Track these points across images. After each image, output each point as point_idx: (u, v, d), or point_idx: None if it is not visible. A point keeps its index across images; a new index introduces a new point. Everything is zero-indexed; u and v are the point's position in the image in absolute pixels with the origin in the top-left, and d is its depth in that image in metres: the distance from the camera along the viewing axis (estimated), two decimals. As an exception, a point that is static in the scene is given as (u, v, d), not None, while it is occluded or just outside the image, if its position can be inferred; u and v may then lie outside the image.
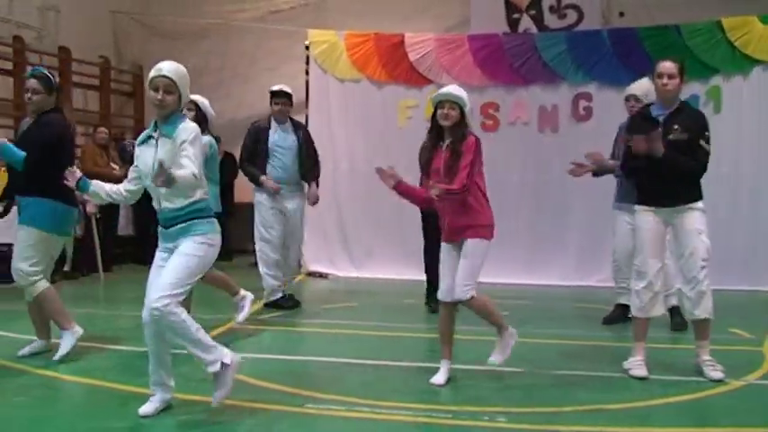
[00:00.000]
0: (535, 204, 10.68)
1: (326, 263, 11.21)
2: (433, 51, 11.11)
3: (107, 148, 11.48)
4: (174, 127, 4.53)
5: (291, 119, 8.42)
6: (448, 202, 5.23)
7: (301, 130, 8.42)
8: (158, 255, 4.68)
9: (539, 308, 8.61)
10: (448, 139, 5.30)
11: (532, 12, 12.61)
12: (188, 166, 4.39)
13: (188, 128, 4.54)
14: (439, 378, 5.37)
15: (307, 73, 11.44)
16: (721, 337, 6.87)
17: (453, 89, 5.36)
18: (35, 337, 6.13)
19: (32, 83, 5.97)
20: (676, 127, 5.52)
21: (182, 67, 4.68)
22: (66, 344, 5.94)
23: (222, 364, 4.48)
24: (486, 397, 5.10)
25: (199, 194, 4.57)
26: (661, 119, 5.60)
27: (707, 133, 5.57)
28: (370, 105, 11.17)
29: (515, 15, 12.66)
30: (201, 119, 6.81)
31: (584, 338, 7.01)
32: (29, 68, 11.56)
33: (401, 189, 5.36)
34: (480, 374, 5.59)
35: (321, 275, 11.09)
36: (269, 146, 8.17)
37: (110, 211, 11.13)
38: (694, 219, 5.53)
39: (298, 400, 4.97)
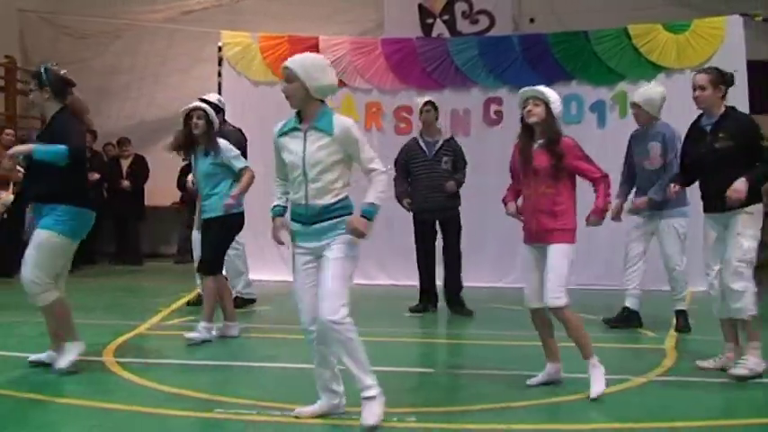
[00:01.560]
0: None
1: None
2: (347, 54, 11.13)
3: (13, 150, 11.13)
4: (328, 121, 4.46)
5: None
6: (541, 203, 5.16)
7: None
8: (299, 258, 4.56)
9: (447, 309, 8.68)
10: (540, 138, 5.21)
11: (445, 17, 12.77)
12: (377, 164, 4.46)
13: (348, 121, 4.51)
14: (534, 379, 5.35)
15: (219, 75, 11.31)
16: (626, 335, 7.09)
17: (537, 87, 5.28)
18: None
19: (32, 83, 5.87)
20: (722, 135, 5.56)
21: (310, 57, 4.59)
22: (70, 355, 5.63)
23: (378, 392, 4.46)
24: (395, 398, 5.11)
25: (345, 191, 4.51)
26: (708, 128, 5.66)
27: (761, 132, 5.59)
28: (286, 108, 10.97)
29: (429, 20, 12.80)
30: (209, 128, 6.84)
31: (493, 338, 7.12)
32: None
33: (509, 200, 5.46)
34: (389, 375, 5.61)
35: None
36: None
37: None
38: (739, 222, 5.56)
39: (208, 405, 4.90)
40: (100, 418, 4.67)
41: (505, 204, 5.50)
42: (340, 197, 4.47)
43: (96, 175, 11.58)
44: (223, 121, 7.89)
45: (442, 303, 8.43)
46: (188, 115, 6.87)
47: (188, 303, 8.55)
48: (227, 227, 6.93)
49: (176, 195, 13.27)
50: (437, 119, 8.39)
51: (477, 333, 7.42)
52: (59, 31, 13.68)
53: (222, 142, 6.88)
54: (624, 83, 10.33)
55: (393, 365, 5.66)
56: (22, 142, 11.57)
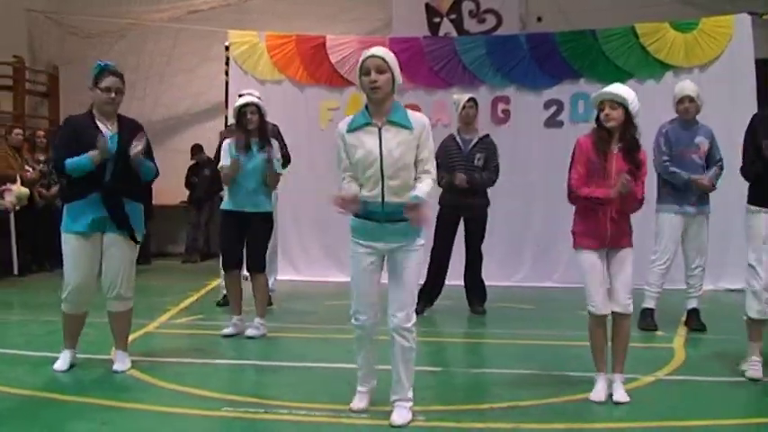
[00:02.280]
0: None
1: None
2: (354, 54, 11.09)
3: (20, 149, 11.19)
4: (404, 115, 4.42)
5: None
6: (616, 205, 4.95)
7: None
8: (365, 258, 4.51)
9: (459, 308, 8.67)
10: (617, 143, 4.99)
11: (453, 16, 12.75)
12: (434, 168, 4.48)
13: (425, 118, 4.51)
14: (597, 394, 5.01)
15: (226, 74, 11.32)
16: (635, 334, 7.05)
17: (614, 87, 5.02)
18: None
19: (115, 81, 5.64)
20: None
21: (391, 53, 4.50)
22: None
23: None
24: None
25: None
26: None
27: None
28: (292, 107, 11.08)
29: (436, 19, 12.79)
30: (263, 122, 6.93)
31: (500, 337, 7.11)
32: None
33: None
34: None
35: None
36: None
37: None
38: None
39: (216, 403, 4.91)
40: (109, 415, 4.68)
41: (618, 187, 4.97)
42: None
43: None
44: None
45: (442, 302, 8.38)
46: (240, 112, 6.91)
47: (218, 304, 8.50)
48: (272, 223, 7.15)
49: (184, 194, 13.35)
50: (476, 116, 8.38)
51: (486, 332, 7.41)
52: (66, 30, 13.69)
53: (273, 141, 7.02)
54: (632, 81, 10.26)
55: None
56: (29, 142, 11.62)
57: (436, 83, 10.94)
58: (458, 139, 8.21)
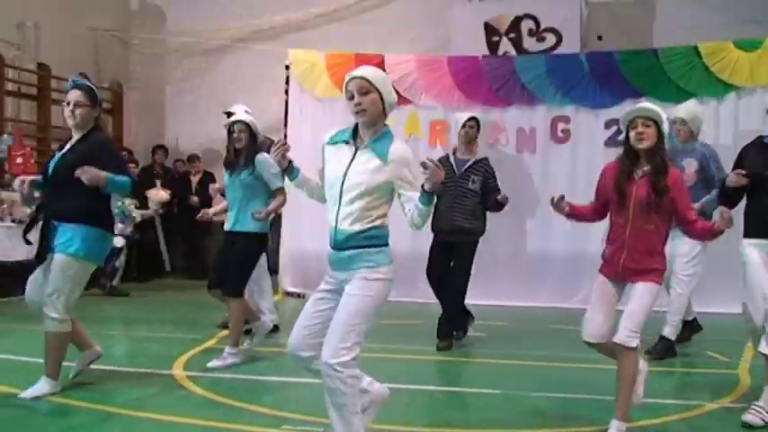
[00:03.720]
0: (513, 225, 10.69)
1: (303, 283, 11.12)
2: (412, 72, 11.16)
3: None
4: (383, 146, 3.96)
5: None
6: (637, 239, 4.65)
7: None
8: (322, 284, 4.10)
9: (516, 329, 8.63)
10: (645, 165, 4.68)
11: (512, 35, 12.70)
12: (413, 196, 3.91)
13: (405, 153, 3.99)
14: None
15: (286, 92, 11.45)
16: (699, 360, 6.93)
17: (646, 104, 4.78)
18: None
19: (75, 94, 5.43)
20: None
21: (379, 70, 4.13)
22: (41, 388, 5.35)
23: None
24: (462, 419, 5.09)
25: (379, 221, 4.00)
26: None
27: None
28: (349, 124, 11.15)
29: (495, 38, 12.75)
30: (252, 141, 6.77)
31: (562, 360, 7.02)
32: (7, 85, 11.67)
33: (576, 213, 4.96)
34: (455, 396, 5.59)
35: (299, 296, 11.05)
36: None
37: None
38: None
39: (275, 421, 4.94)
40: (168, 430, 4.73)
41: (565, 203, 4.88)
42: (373, 225, 3.96)
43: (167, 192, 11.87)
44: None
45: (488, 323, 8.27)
46: (230, 129, 6.80)
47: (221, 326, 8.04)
48: (254, 244, 6.74)
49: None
50: (477, 137, 7.95)
51: (544, 355, 7.30)
52: (130, 49, 14.01)
53: (265, 157, 6.63)
54: (694, 102, 10.13)
55: (457, 386, 5.61)
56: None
57: (495, 102, 10.92)
58: (452, 159, 7.76)
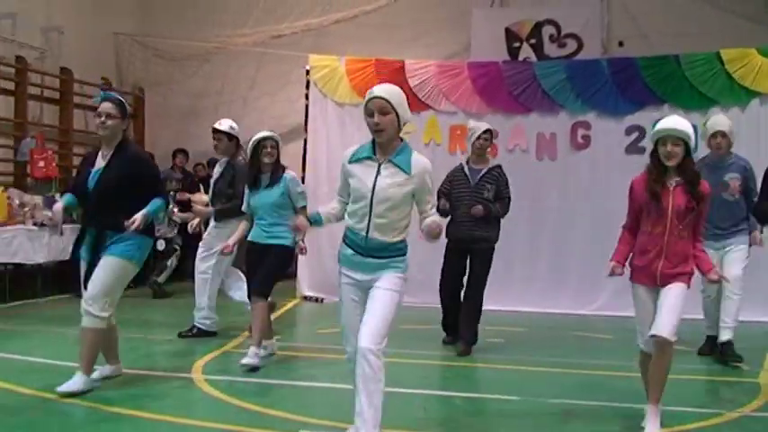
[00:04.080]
0: (532, 231, 10.66)
1: (321, 288, 11.15)
2: (432, 78, 11.16)
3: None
4: (406, 158, 4.31)
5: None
6: (675, 246, 4.82)
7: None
8: (347, 289, 4.46)
9: (534, 335, 8.59)
10: (675, 177, 4.84)
11: (532, 41, 12.69)
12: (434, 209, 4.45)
13: (426, 164, 4.39)
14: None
15: (306, 97, 11.47)
16: (718, 368, 6.87)
17: (676, 122, 4.85)
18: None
19: (107, 106, 5.60)
20: None
21: (396, 88, 4.41)
22: (75, 383, 5.50)
23: None
24: (480, 425, 5.08)
25: (406, 232, 4.41)
26: None
27: None
28: (366, 133, 11.17)
29: (516, 44, 12.74)
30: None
31: (579, 367, 6.98)
32: (29, 89, 11.78)
33: (627, 256, 5.05)
34: (472, 401, 5.57)
35: (316, 300, 11.07)
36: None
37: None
38: None
39: (293, 425, 4.94)
40: (187, 434, 4.75)
41: (613, 264, 5.04)
42: (402, 237, 4.37)
43: (187, 196, 11.91)
44: (236, 150, 7.98)
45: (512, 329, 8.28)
46: (259, 144, 6.86)
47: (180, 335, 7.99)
48: (287, 257, 7.01)
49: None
50: (489, 148, 8.03)
51: (561, 361, 7.26)
52: (152, 53, 14.09)
53: (292, 175, 6.95)
54: (716, 108, 10.07)
55: (475, 392, 5.59)
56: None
57: (515, 108, 10.88)
58: (465, 169, 7.78)
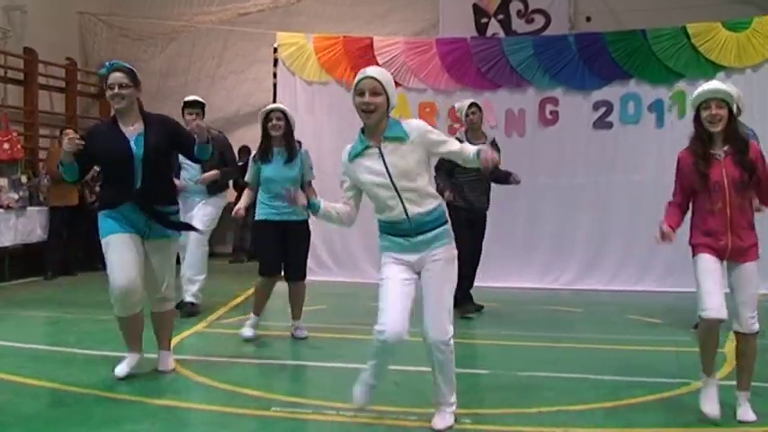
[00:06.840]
0: (501, 207, 10.67)
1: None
2: (401, 55, 11.13)
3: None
4: (399, 128, 4.30)
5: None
6: (739, 217, 4.56)
7: None
8: (397, 270, 4.38)
9: (505, 310, 8.65)
10: (722, 146, 4.56)
11: (500, 16, 12.71)
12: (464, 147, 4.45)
13: (418, 123, 4.42)
14: (712, 407, 4.62)
15: (275, 75, 11.40)
16: (684, 339, 6.96)
17: (717, 84, 4.61)
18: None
19: (118, 76, 5.26)
20: None
21: (387, 72, 4.44)
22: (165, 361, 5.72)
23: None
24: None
25: (438, 198, 4.46)
26: None
27: None
28: (339, 108, 11.09)
29: (483, 20, 12.75)
30: (289, 130, 6.85)
31: (550, 340, 7.06)
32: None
33: (676, 227, 4.70)
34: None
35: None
36: None
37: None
38: None
39: (264, 403, 4.96)
40: (160, 414, 4.74)
41: (663, 228, 4.67)
42: (438, 202, 4.40)
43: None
44: None
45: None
46: (266, 117, 6.84)
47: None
48: (309, 230, 7.05)
49: (232, 195, 13.44)
50: (482, 120, 8.27)
51: (532, 335, 7.35)
52: (117, 33, 13.92)
53: (306, 149, 6.96)
54: (683, 82, 10.16)
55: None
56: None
57: (483, 84, 10.90)
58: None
